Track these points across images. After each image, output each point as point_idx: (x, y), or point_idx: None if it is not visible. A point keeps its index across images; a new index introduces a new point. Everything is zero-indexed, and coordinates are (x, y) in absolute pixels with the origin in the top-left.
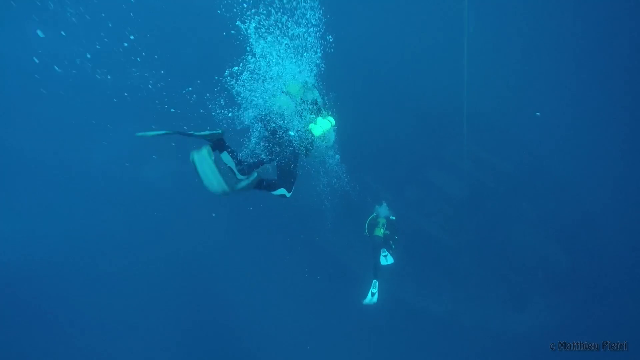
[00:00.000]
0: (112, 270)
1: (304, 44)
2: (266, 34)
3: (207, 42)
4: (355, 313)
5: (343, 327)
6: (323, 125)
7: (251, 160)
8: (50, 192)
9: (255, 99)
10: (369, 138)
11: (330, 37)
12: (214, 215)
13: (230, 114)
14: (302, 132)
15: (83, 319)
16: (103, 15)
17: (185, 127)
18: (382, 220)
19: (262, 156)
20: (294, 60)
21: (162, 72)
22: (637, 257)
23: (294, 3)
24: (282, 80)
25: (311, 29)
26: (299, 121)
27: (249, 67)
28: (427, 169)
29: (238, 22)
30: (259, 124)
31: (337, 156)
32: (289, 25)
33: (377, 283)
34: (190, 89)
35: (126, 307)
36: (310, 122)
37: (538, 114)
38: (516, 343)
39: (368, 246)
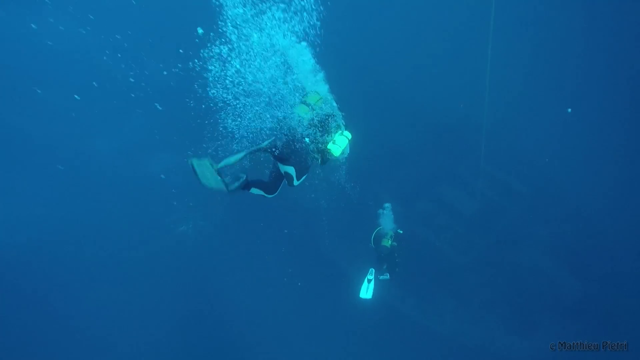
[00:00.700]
0: (106, 261)
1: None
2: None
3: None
4: (354, 331)
5: (340, 342)
6: (341, 144)
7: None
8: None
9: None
10: (383, 149)
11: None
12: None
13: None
14: (320, 144)
15: (81, 313)
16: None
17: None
18: (389, 232)
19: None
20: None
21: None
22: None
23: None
24: (302, 91)
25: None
26: (317, 131)
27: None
28: (441, 184)
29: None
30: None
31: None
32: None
33: (373, 271)
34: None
35: (118, 299)
36: (329, 142)
37: (569, 110)
38: None
39: (366, 248)
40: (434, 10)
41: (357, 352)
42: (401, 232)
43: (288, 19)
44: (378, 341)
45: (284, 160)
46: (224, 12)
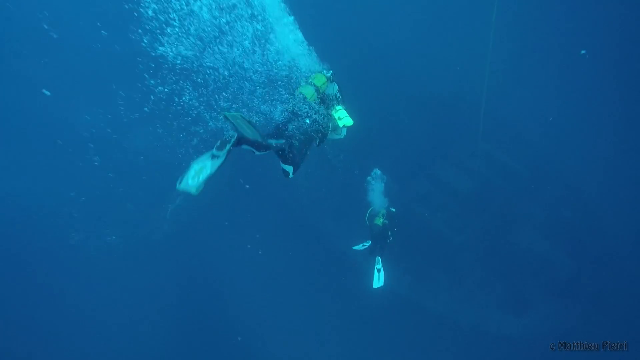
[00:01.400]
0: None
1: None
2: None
3: None
4: (348, 308)
5: (336, 322)
6: (344, 115)
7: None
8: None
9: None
10: (380, 128)
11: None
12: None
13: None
14: (324, 121)
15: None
16: None
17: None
18: (382, 211)
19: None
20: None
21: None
22: (637, 258)
23: None
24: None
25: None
26: (322, 110)
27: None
28: (437, 163)
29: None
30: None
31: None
32: None
33: (380, 260)
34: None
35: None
36: (340, 113)
37: (583, 51)
38: (512, 346)
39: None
40: None
41: (352, 331)
42: (394, 210)
43: None
44: (372, 319)
45: (286, 161)
46: None
